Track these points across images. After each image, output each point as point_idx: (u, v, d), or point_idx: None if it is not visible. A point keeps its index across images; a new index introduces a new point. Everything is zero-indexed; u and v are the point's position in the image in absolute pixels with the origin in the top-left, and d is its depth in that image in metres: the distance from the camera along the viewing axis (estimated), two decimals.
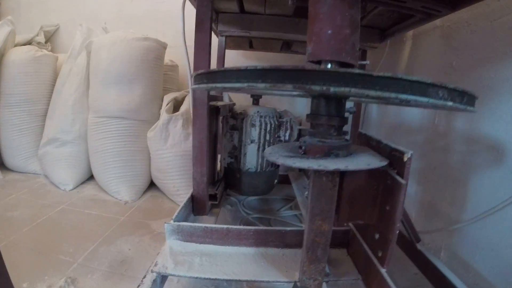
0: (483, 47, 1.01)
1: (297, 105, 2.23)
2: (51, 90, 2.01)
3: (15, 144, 1.98)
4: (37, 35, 2.28)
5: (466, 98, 0.48)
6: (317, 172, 0.71)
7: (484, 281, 0.94)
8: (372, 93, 0.42)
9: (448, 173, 1.15)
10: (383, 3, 0.99)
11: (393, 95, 0.42)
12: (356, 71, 0.42)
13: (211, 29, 1.13)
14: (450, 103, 0.45)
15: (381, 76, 0.42)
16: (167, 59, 2.09)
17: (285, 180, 1.77)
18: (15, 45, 2.04)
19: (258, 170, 1.41)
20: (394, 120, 1.61)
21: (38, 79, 1.98)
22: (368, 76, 0.42)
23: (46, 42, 2.37)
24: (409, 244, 1.02)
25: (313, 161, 0.68)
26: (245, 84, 0.48)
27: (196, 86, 0.61)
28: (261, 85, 0.47)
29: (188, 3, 1.28)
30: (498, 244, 0.90)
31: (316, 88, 0.43)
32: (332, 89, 0.43)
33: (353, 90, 0.42)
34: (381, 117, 1.79)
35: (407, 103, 0.84)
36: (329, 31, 0.69)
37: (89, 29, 1.98)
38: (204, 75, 0.57)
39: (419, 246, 0.99)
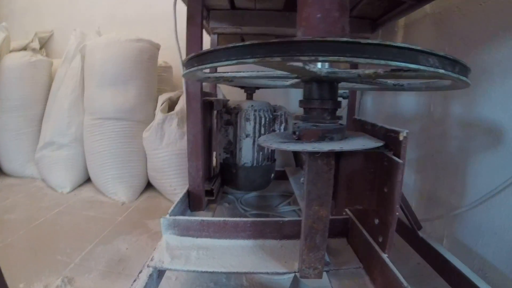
0: (475, 30, 1.01)
1: (291, 101, 2.23)
2: (47, 94, 2.01)
3: (12, 148, 1.98)
4: (32, 41, 2.27)
5: (458, 67, 0.47)
6: (312, 156, 0.70)
7: (489, 266, 0.93)
8: (362, 60, 0.42)
9: (446, 159, 1.14)
10: None
11: (382, 62, 0.41)
12: (344, 39, 0.41)
13: (202, 23, 1.13)
14: (441, 71, 0.44)
15: (370, 43, 0.41)
16: (161, 60, 2.09)
17: (282, 176, 1.76)
18: (10, 51, 2.04)
19: (254, 164, 1.40)
20: (390, 110, 1.60)
21: (33, 83, 1.98)
22: (357, 43, 0.41)
23: (40, 48, 2.37)
24: (410, 232, 1.01)
25: (308, 144, 0.67)
26: (235, 61, 0.48)
27: (187, 70, 0.61)
28: (250, 60, 0.46)
29: (179, 2, 1.28)
30: (501, 227, 0.89)
31: (305, 58, 0.43)
32: (320, 58, 0.42)
33: (342, 58, 0.42)
34: (377, 108, 1.78)
35: (401, 87, 0.84)
36: (318, 15, 0.69)
37: (83, 33, 1.99)
38: (194, 58, 0.56)
39: (420, 233, 0.98)
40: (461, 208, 1.02)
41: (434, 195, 1.20)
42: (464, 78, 0.49)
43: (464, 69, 0.49)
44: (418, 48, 0.42)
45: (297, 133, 0.70)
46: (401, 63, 0.42)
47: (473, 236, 0.99)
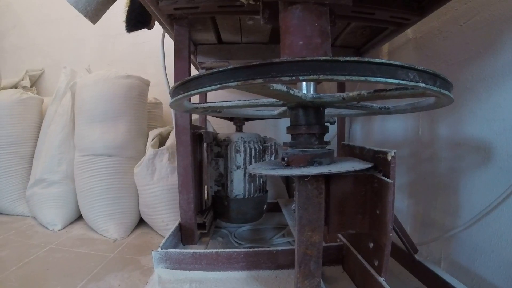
0: (457, 51, 1.04)
1: (281, 133, 2.24)
2: (37, 132, 2.02)
3: (2, 186, 1.96)
4: (22, 79, 2.32)
5: (439, 81, 0.48)
6: (302, 180, 0.70)
7: (488, 285, 0.91)
8: (342, 78, 0.42)
9: (438, 181, 1.14)
10: (352, 17, 1.02)
11: (362, 78, 0.42)
12: (323, 57, 0.42)
13: (189, 57, 1.15)
14: (422, 85, 0.45)
15: (349, 60, 0.42)
16: (150, 97, 2.11)
17: (275, 208, 1.74)
18: (1, 89, 2.07)
19: (246, 196, 1.38)
20: (379, 137, 1.62)
21: (24, 121, 1.99)
22: (335, 61, 0.42)
23: (31, 87, 2.40)
24: (407, 257, 1.00)
25: (296, 169, 0.67)
26: (218, 86, 0.48)
27: (174, 99, 0.61)
28: (233, 84, 0.46)
29: (168, 39, 1.31)
30: (498, 244, 0.88)
31: (286, 78, 0.43)
32: (301, 78, 0.43)
33: (322, 76, 0.42)
34: (366, 135, 1.80)
35: (387, 110, 0.85)
36: (300, 42, 0.71)
37: (73, 71, 2.01)
38: (179, 86, 0.57)
39: (417, 257, 0.96)
40: (456, 229, 1.01)
41: (428, 218, 1.19)
42: (446, 92, 0.49)
43: (445, 83, 0.50)
44: (397, 63, 0.43)
45: (285, 159, 0.70)
46: (380, 79, 0.42)
47: (470, 256, 0.98)
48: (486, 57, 0.92)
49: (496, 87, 0.89)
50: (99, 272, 1.25)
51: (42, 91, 2.52)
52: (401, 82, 0.43)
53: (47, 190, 1.82)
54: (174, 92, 0.60)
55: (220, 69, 0.47)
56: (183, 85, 0.56)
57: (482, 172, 0.95)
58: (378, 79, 0.42)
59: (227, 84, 0.47)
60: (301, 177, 0.69)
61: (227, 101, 0.83)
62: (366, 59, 0.42)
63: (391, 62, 0.42)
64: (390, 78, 0.43)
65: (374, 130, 1.69)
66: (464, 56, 1.01)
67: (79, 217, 1.89)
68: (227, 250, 0.94)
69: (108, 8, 1.10)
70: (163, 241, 0.99)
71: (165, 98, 2.19)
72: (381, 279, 0.72)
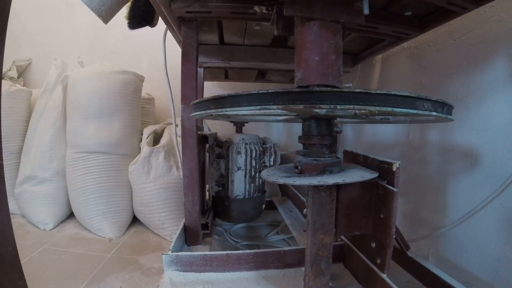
0: (449, 63, 1.12)
1: (273, 132, 2.28)
2: (26, 126, 1.97)
3: None
4: (9, 70, 2.25)
5: (445, 108, 0.55)
6: (316, 188, 0.75)
7: (474, 278, 1.00)
8: (372, 108, 0.48)
9: (427, 183, 1.22)
10: (357, 30, 1.08)
11: (389, 109, 0.48)
12: (358, 90, 0.47)
13: (197, 59, 1.17)
14: (434, 113, 0.51)
15: (379, 93, 0.47)
16: (143, 92, 2.09)
17: (269, 206, 1.79)
18: None
19: (246, 196, 1.43)
20: (370, 139, 1.69)
21: (12, 114, 1.94)
22: (368, 94, 0.47)
23: (18, 77, 2.34)
24: (399, 253, 1.07)
25: (312, 178, 0.73)
26: (258, 107, 0.52)
27: (202, 112, 0.64)
28: (274, 107, 0.51)
29: (168, 35, 1.33)
30: (482, 242, 0.97)
31: (325, 106, 0.48)
32: (338, 107, 0.48)
33: (357, 107, 0.48)
34: (357, 137, 1.86)
35: (386, 120, 0.91)
36: (317, 58, 0.75)
37: (64, 63, 1.98)
38: (211, 101, 0.60)
39: (409, 253, 1.04)
40: (444, 228, 1.09)
41: (417, 217, 1.27)
42: (450, 117, 0.56)
43: (449, 109, 0.57)
44: (416, 95, 0.49)
45: (299, 167, 0.76)
46: (403, 109, 0.49)
47: (457, 252, 1.07)
48: (477, 72, 1.00)
49: (485, 100, 0.97)
50: (98, 274, 1.26)
51: (29, 82, 2.45)
52: (419, 112, 0.50)
53: (38, 187, 1.80)
54: (203, 104, 0.63)
55: (260, 91, 0.51)
56: (216, 100, 0.59)
57: (469, 176, 1.03)
58: (402, 109, 0.49)
59: (267, 106, 0.51)
60: (316, 186, 0.75)
61: (242, 109, 0.86)
62: (393, 92, 0.48)
63: (412, 94, 0.49)
64: (411, 109, 0.49)
65: (365, 132, 1.75)
66: (456, 68, 1.08)
67: (70, 216, 1.88)
68: (237, 251, 0.98)
69: (121, 8, 1.09)
70: (172, 244, 1.02)
71: (158, 94, 2.20)
72: (384, 275, 0.80)
